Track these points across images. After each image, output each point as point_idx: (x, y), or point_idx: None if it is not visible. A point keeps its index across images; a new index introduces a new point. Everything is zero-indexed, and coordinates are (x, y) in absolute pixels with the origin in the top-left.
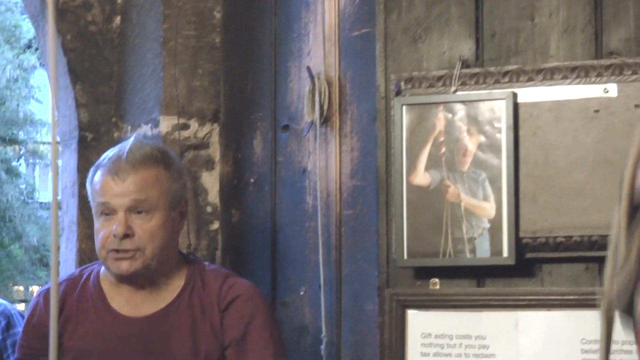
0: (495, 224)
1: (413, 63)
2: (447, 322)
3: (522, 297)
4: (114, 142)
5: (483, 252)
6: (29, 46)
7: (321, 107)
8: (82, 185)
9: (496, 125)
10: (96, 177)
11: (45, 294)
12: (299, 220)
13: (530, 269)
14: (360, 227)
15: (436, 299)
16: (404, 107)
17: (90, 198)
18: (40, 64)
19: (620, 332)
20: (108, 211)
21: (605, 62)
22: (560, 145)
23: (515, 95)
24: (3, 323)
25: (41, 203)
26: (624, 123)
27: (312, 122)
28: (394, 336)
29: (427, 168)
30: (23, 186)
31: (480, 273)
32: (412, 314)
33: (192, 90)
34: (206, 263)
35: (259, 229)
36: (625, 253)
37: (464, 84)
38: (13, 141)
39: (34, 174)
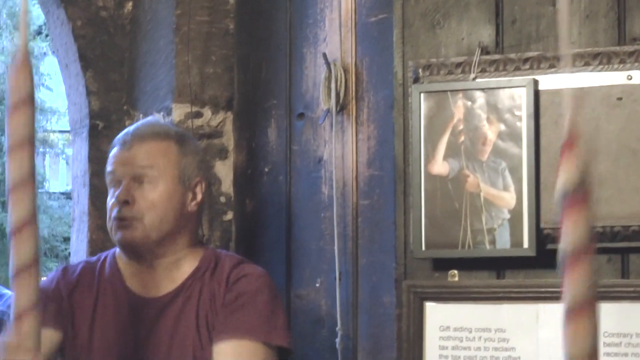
0: (516, 215)
1: (431, 49)
2: (466, 315)
3: (542, 289)
4: None
5: (503, 243)
6: (39, 32)
7: (337, 94)
8: (93, 174)
9: (516, 113)
10: (111, 152)
11: (65, 269)
12: (315, 210)
13: (551, 261)
14: (377, 217)
15: (455, 291)
16: (422, 95)
17: None
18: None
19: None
20: (115, 182)
21: (628, 48)
22: (582, 134)
23: (536, 82)
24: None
25: (51, 193)
26: None
27: (328, 110)
28: (412, 329)
29: (445, 157)
30: None
31: (500, 264)
32: (430, 307)
33: (205, 78)
34: (224, 251)
35: (274, 220)
36: None
37: (483, 70)
38: None
39: (43, 163)
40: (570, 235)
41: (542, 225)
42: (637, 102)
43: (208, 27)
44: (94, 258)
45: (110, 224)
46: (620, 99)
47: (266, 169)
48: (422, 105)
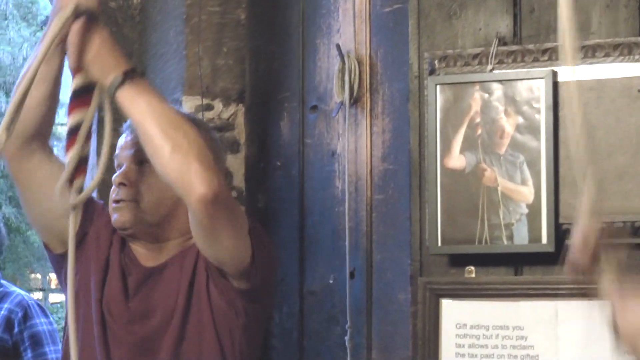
0: (534, 209)
1: (447, 40)
2: (483, 312)
3: (561, 286)
4: None
5: (521, 238)
6: (46, 23)
7: (351, 86)
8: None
9: (535, 105)
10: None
11: (103, 208)
12: (328, 205)
13: None
14: (392, 212)
15: (472, 288)
16: (438, 87)
17: None
18: None
19: None
20: (119, 167)
21: None
22: (602, 127)
23: (554, 74)
24: (20, 314)
25: None
26: None
27: (342, 103)
28: (428, 327)
29: (462, 150)
30: None
31: (517, 260)
32: (446, 304)
33: (216, 70)
34: None
35: (286, 215)
36: None
37: (501, 62)
38: None
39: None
40: None
41: (561, 220)
42: None
43: (219, 18)
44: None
45: (109, 206)
46: None
47: (278, 163)
48: (438, 98)
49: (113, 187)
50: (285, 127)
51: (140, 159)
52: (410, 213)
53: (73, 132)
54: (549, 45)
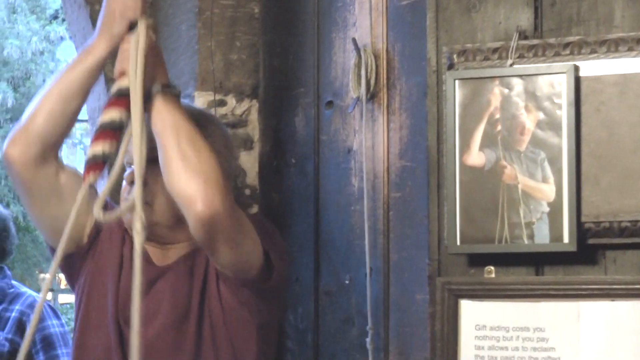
0: (555, 208)
1: (466, 34)
2: (503, 313)
3: (584, 287)
4: None
5: (542, 237)
6: (55, 17)
7: (367, 82)
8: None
9: (556, 101)
10: None
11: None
12: (344, 203)
13: (592, 256)
14: (410, 211)
15: (491, 288)
16: (457, 82)
17: None
18: (68, 36)
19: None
20: (129, 165)
21: None
22: (626, 123)
23: (576, 68)
24: (32, 316)
25: None
26: None
27: (358, 98)
28: (446, 328)
29: (481, 147)
30: None
31: (538, 260)
32: (465, 304)
33: (229, 64)
34: None
35: (301, 213)
36: None
37: (521, 56)
38: None
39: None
40: None
41: (583, 219)
42: None
43: (232, 11)
44: None
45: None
46: None
47: (293, 160)
48: (457, 93)
49: (124, 184)
50: (300, 123)
51: (153, 156)
52: (429, 211)
53: (105, 128)
54: (570, 39)
